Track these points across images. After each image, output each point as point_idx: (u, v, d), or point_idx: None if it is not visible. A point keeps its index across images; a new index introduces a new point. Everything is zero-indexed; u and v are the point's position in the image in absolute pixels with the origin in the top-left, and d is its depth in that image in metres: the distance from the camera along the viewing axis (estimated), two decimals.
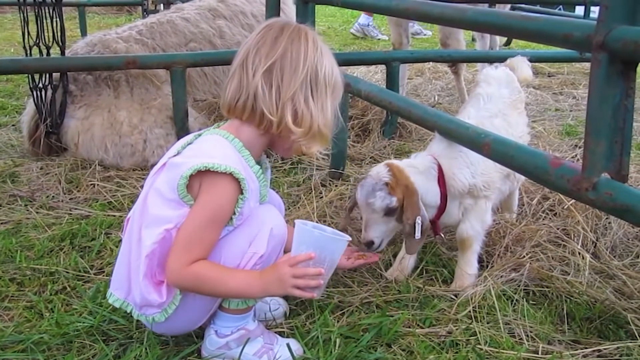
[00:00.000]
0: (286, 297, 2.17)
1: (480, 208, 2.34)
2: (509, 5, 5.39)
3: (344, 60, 4.15)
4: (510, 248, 2.50)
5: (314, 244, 1.75)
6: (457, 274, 2.35)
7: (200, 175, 1.70)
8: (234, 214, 1.75)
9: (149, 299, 1.76)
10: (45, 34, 3.59)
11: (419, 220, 2.09)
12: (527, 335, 2.01)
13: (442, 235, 2.29)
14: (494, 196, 2.40)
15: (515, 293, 2.25)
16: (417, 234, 2.10)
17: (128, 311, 1.85)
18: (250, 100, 1.77)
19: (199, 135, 1.87)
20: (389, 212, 2.14)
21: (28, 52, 3.61)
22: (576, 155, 3.57)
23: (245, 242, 1.79)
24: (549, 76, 6.59)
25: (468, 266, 2.33)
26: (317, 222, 2.70)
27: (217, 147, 1.77)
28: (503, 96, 2.54)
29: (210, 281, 1.72)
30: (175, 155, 1.81)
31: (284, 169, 3.52)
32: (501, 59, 5.10)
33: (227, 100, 1.82)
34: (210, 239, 1.74)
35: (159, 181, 1.79)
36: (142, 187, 3.17)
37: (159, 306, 1.77)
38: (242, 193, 1.73)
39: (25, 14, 3.62)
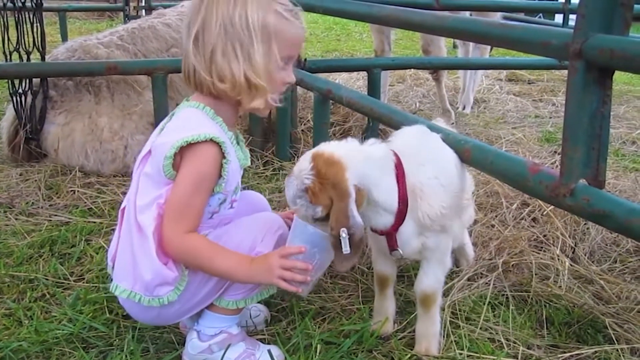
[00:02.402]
0: (267, 303, 2.17)
1: (441, 248, 1.92)
2: (498, 14, 5.45)
3: (326, 67, 4.17)
4: (491, 253, 2.52)
5: (305, 239, 1.75)
6: (421, 334, 1.98)
7: (182, 149, 1.71)
8: (221, 177, 1.77)
9: (163, 274, 1.74)
10: (26, 39, 3.56)
11: (344, 234, 1.65)
12: (507, 340, 2.03)
13: (401, 251, 1.88)
14: (456, 227, 2.03)
15: (495, 298, 2.26)
16: (345, 248, 1.66)
17: (136, 300, 1.78)
18: (191, 70, 1.79)
19: (173, 114, 1.88)
20: (319, 221, 1.73)
21: (8, 57, 3.59)
22: (555, 162, 3.60)
23: (256, 240, 1.82)
24: (529, 83, 6.66)
25: (433, 324, 1.97)
26: None
27: (192, 118, 1.79)
28: None
29: (201, 255, 1.73)
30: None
31: (266, 175, 3.52)
32: (481, 67, 5.19)
33: (183, 75, 1.85)
34: (198, 204, 1.75)
35: (147, 166, 1.80)
36: (122, 193, 3.18)
37: (172, 282, 1.76)
38: (224, 157, 1.75)
39: (5, 19, 3.59)
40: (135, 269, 1.78)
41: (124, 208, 1.87)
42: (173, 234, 1.72)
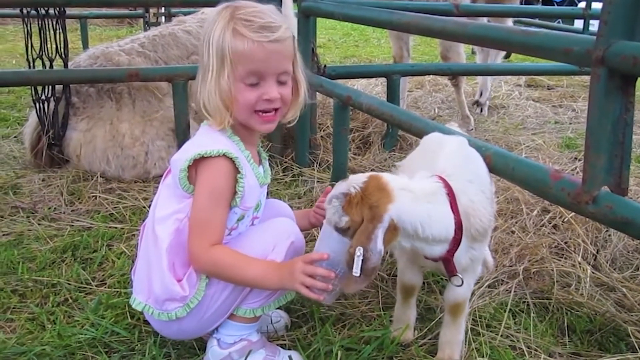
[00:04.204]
0: (288, 309, 2.18)
1: (479, 257, 1.89)
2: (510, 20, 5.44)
3: (345, 73, 4.18)
4: (512, 260, 2.51)
5: (331, 247, 1.71)
6: (445, 341, 1.96)
7: (196, 163, 1.75)
8: (236, 193, 1.78)
9: (173, 289, 1.77)
10: (49, 46, 3.61)
11: (359, 252, 1.59)
12: (528, 348, 2.02)
13: (460, 276, 1.82)
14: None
15: (515, 305, 2.25)
16: (356, 269, 1.59)
17: (150, 314, 1.84)
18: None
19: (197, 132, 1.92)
20: (340, 230, 1.68)
21: (31, 64, 3.63)
22: (576, 168, 3.58)
23: (268, 248, 1.82)
24: (549, 89, 6.62)
25: (459, 332, 1.96)
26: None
27: (208, 135, 1.83)
28: None
29: (228, 267, 1.75)
30: None
31: (285, 182, 3.53)
32: (500, 73, 5.17)
33: None
34: (219, 217, 1.77)
35: (168, 180, 1.86)
36: (143, 199, 3.21)
37: (181, 300, 1.79)
38: (239, 172, 1.77)
39: (28, 27, 3.64)
40: (149, 281, 1.83)
41: (145, 224, 1.91)
42: (198, 249, 1.74)
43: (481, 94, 5.48)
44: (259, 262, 1.78)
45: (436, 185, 1.72)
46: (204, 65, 1.79)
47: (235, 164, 1.75)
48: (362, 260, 1.59)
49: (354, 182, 1.67)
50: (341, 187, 1.68)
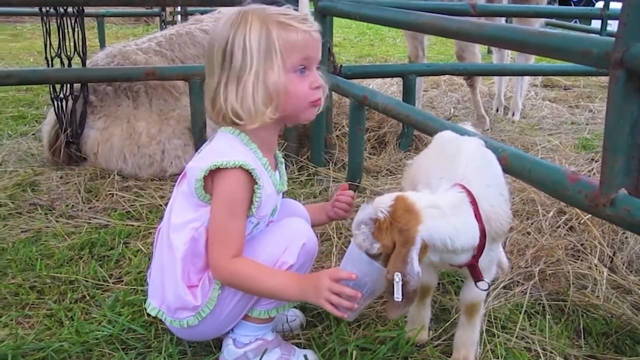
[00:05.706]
0: (303, 308, 2.19)
1: (495, 257, 1.91)
2: (540, 21, 5.39)
3: (361, 73, 4.18)
4: (528, 262, 2.51)
5: (359, 268, 1.69)
6: (460, 342, 1.96)
7: (212, 174, 1.74)
8: (253, 204, 1.78)
9: (185, 299, 1.79)
10: (67, 44, 3.64)
11: (397, 278, 1.60)
12: (544, 350, 2.01)
13: (488, 282, 1.83)
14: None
15: (531, 307, 2.25)
16: (397, 294, 1.61)
17: (163, 319, 1.88)
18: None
19: (212, 139, 1.91)
20: (371, 256, 1.68)
21: (50, 62, 3.67)
22: (593, 169, 3.56)
23: (280, 250, 1.82)
24: (565, 89, 6.59)
25: (474, 333, 1.95)
26: (333, 235, 2.72)
27: (225, 143, 1.81)
28: None
29: (249, 279, 1.74)
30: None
31: (301, 181, 3.54)
32: (516, 73, 5.15)
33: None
34: (237, 228, 1.77)
35: (183, 187, 1.85)
36: (160, 197, 3.23)
37: (193, 309, 1.81)
38: (256, 183, 1.76)
39: (47, 25, 3.67)
40: (162, 288, 1.85)
41: (160, 228, 1.92)
42: (220, 261, 1.74)
43: (513, 114, 5.41)
44: (280, 274, 1.78)
45: (460, 196, 1.72)
46: (232, 68, 1.74)
47: (252, 175, 1.75)
48: (402, 284, 1.60)
49: (381, 205, 1.66)
50: (368, 211, 1.67)
